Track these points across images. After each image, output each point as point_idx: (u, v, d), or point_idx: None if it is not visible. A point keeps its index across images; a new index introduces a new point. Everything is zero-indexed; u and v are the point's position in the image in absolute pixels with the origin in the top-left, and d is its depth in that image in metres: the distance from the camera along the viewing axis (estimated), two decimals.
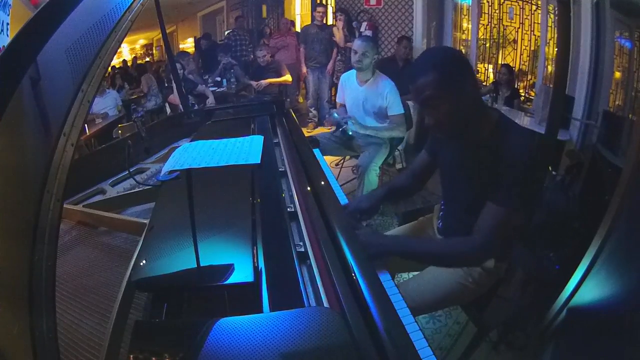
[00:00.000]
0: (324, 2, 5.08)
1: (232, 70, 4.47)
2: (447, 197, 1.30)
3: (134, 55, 5.59)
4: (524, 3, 3.49)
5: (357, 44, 2.37)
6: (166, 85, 4.01)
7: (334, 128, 2.65)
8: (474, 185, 1.13)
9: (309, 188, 1.23)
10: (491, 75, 4.00)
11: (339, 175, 3.01)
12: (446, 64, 1.01)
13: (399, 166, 3.34)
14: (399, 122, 2.44)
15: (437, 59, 1.04)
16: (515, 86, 3.49)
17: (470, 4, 3.94)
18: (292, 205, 1.13)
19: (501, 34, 3.77)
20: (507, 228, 1.04)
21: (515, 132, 1.08)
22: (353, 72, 2.52)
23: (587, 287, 1.23)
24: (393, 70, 3.24)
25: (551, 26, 3.15)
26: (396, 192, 1.42)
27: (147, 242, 0.93)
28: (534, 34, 3.45)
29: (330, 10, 5.16)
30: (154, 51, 5.76)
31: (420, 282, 1.23)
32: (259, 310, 0.74)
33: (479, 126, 1.08)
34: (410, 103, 2.64)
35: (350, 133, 2.48)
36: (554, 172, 2.33)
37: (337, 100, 2.79)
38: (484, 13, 3.87)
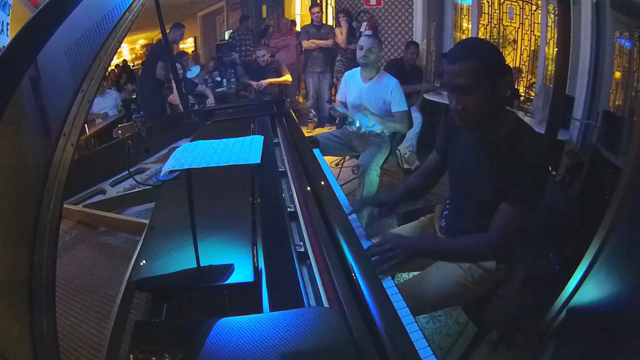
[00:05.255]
0: (323, 1, 5.08)
1: (232, 71, 4.47)
2: (455, 196, 1.30)
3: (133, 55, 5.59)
4: (524, 3, 3.48)
5: (363, 40, 2.45)
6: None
7: (334, 128, 2.66)
8: (487, 185, 1.14)
9: (309, 188, 1.23)
10: None
11: (339, 175, 3.01)
12: (489, 56, 1.04)
13: (406, 166, 3.37)
14: (402, 118, 2.48)
15: (482, 50, 1.06)
16: (515, 86, 3.49)
17: (470, 4, 3.93)
18: (292, 205, 1.13)
19: (501, 34, 3.76)
20: (519, 228, 1.10)
21: (532, 136, 1.11)
22: (357, 70, 2.54)
23: (587, 287, 1.23)
24: (399, 73, 3.24)
25: (551, 26, 3.15)
26: (412, 193, 1.43)
27: (147, 242, 0.93)
28: (534, 34, 3.45)
29: (330, 10, 5.17)
30: None
31: (420, 282, 1.23)
32: (259, 310, 0.74)
33: (498, 125, 1.11)
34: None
35: (357, 124, 2.50)
36: (554, 172, 2.33)
37: (337, 98, 2.79)
38: (484, 13, 3.87)
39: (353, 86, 2.56)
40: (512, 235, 1.11)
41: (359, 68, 2.53)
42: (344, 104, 2.65)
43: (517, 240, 1.15)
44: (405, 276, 1.64)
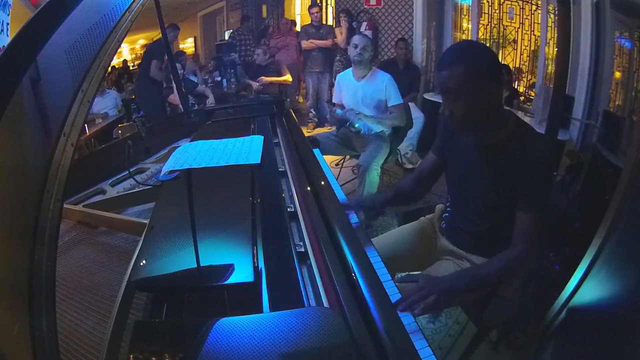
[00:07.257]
0: (323, 1, 5.08)
1: (232, 71, 4.47)
2: (456, 198, 1.29)
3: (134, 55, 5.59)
4: (524, 3, 3.48)
5: (357, 39, 2.47)
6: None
7: (334, 128, 2.66)
8: (489, 187, 1.13)
9: (309, 188, 1.23)
10: None
11: (339, 175, 3.01)
12: (477, 61, 1.01)
13: (409, 166, 3.37)
14: (399, 112, 2.49)
15: (473, 52, 1.03)
16: (515, 86, 3.49)
17: (470, 4, 3.94)
18: (292, 205, 1.13)
19: (501, 34, 3.76)
20: (541, 232, 1.07)
21: (536, 137, 1.09)
22: (348, 71, 2.57)
23: (587, 287, 1.23)
24: (393, 72, 3.26)
25: (551, 26, 3.15)
26: (403, 197, 1.40)
27: (147, 242, 0.93)
28: (534, 34, 3.45)
29: (330, 10, 5.16)
30: None
31: None
32: (259, 310, 0.74)
33: (498, 127, 1.09)
34: (411, 103, 2.66)
35: (357, 126, 2.51)
36: (554, 172, 2.33)
37: (333, 101, 2.80)
38: (484, 13, 3.87)
39: (347, 87, 2.58)
40: (539, 241, 1.07)
41: (351, 69, 2.56)
42: (341, 106, 2.66)
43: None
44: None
